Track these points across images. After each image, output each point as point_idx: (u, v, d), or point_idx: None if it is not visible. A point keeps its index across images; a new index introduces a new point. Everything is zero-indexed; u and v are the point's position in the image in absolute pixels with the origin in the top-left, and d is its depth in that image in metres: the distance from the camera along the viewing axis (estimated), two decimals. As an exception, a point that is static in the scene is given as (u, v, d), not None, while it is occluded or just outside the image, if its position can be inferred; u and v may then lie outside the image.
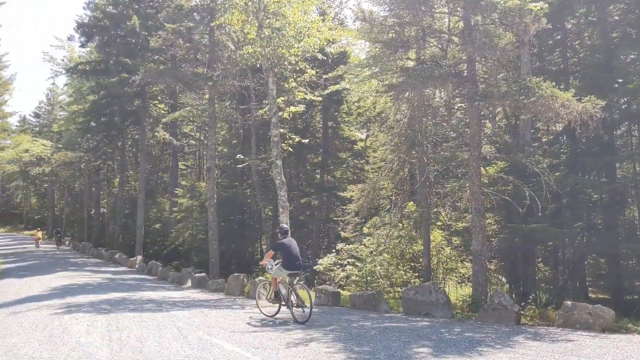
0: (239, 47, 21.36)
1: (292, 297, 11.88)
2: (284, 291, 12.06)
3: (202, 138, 40.30)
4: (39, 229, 58.46)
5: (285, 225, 13.21)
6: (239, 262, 28.06)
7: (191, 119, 38.33)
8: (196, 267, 25.98)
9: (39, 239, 48.89)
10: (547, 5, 13.93)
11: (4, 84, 37.66)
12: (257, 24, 18.52)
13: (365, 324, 11.54)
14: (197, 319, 12.28)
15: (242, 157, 23.64)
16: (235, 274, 18.79)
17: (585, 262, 22.63)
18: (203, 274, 21.95)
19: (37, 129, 73.17)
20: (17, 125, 69.92)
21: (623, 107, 20.26)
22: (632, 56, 22.63)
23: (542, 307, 15.88)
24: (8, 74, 39.52)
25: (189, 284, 21.61)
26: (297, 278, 12.26)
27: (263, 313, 12.68)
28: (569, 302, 11.72)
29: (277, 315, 12.34)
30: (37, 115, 76.93)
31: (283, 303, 12.13)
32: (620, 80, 20.50)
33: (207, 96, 26.56)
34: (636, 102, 19.30)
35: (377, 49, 17.42)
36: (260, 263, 12.82)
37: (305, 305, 11.71)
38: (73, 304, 14.66)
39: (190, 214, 31.15)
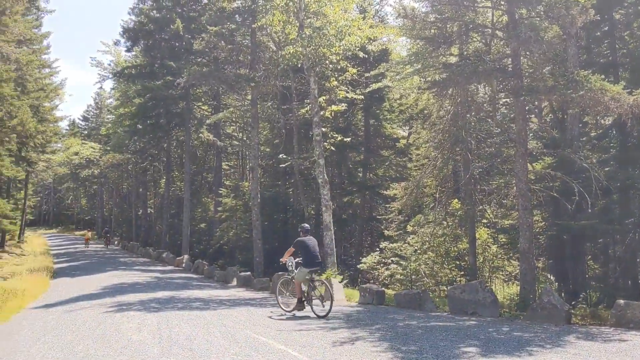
0: (280, 47, 21.52)
1: (312, 292, 12.36)
2: (304, 287, 12.44)
3: (244, 138, 40.78)
4: (88, 229, 60.39)
5: (306, 225, 13.33)
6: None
7: (234, 119, 38.87)
8: (241, 265, 26.33)
9: (89, 239, 50.64)
10: (594, -5, 13.60)
11: (54, 89, 39.00)
12: (298, 24, 18.63)
13: (411, 323, 11.47)
14: (243, 317, 12.45)
15: (284, 156, 23.84)
16: (279, 273, 18.94)
17: (638, 260, 21.92)
18: (248, 273, 22.22)
19: (86, 132, 75.57)
20: (67, 129, 72.34)
21: (677, 98, 19.51)
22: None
23: (592, 306, 15.49)
24: (58, 80, 41.12)
25: (235, 282, 21.92)
26: (317, 274, 12.74)
27: (282, 308, 13.01)
28: (621, 301, 11.38)
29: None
30: (85, 119, 79.47)
31: (303, 299, 12.46)
32: (673, 71, 19.77)
33: (249, 97, 26.89)
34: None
35: (418, 46, 17.29)
36: (281, 260, 13.19)
37: (326, 301, 12.15)
38: (124, 303, 15.09)
39: (234, 213, 31.58)
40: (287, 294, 13.33)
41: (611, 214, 18.11)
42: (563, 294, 17.88)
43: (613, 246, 22.01)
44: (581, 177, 15.35)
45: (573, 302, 14.39)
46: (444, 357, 8.05)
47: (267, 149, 33.28)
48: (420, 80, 19.63)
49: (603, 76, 13.26)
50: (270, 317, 12.19)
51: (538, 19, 13.26)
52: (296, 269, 12.64)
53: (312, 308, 12.32)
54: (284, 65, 21.89)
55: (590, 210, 16.29)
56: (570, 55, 17.32)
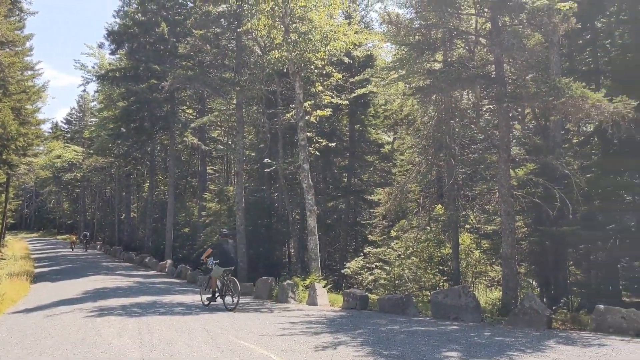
0: (266, 52, 21.51)
1: (225, 288, 14.78)
2: (219, 284, 14.90)
3: (230, 142, 40.64)
4: (73, 233, 59.84)
5: (225, 230, 15.89)
6: (266, 265, 28.20)
7: (219, 123, 38.73)
8: (225, 270, 26.09)
9: (74, 242, 50.43)
10: (576, 4, 13.75)
11: (37, 91, 38.50)
12: (283, 29, 18.65)
13: (394, 328, 11.49)
14: (226, 322, 12.38)
15: (269, 161, 23.79)
16: (264, 278, 18.89)
17: (619, 266, 22.18)
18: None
19: (69, 135, 74.87)
20: (49, 132, 71.51)
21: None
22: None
23: (574, 311, 15.60)
24: (41, 82, 40.41)
25: (218, 287, 21.77)
26: (228, 273, 14.94)
27: (202, 301, 15.47)
28: (601, 306, 11.50)
29: (311, 319, 12.41)
30: (68, 122, 78.73)
31: (217, 293, 14.98)
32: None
33: (234, 101, 26.83)
34: (671, 101, 18.83)
35: (403, 52, 17.39)
36: (202, 258, 16.07)
37: (235, 296, 14.48)
38: (105, 307, 14.93)
39: (218, 218, 31.44)
40: (206, 289, 15.66)
41: (593, 221, 18.30)
42: (545, 299, 18.00)
43: (595, 252, 22.25)
44: (563, 184, 15.48)
45: (554, 307, 14.48)
46: (425, 362, 8.08)
47: (252, 154, 33.19)
48: (405, 86, 19.72)
49: (584, 84, 13.42)
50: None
51: (521, 26, 13.39)
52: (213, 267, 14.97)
53: (224, 302, 14.72)
54: (269, 69, 21.90)
55: (571, 217, 16.46)
56: (553, 62, 17.51)
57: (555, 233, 16.44)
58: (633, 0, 20.29)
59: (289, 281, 17.48)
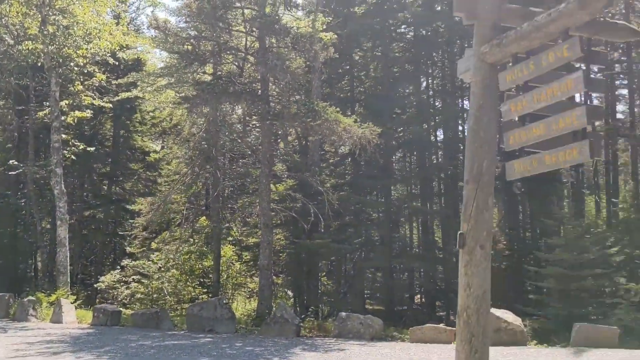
0: (18, 41, 19.24)
1: None
2: None
3: (-31, 139, 35.32)
4: None
5: None
6: (8, 280, 24.98)
7: (-44, 116, 33.42)
8: (-47, 287, 22.51)
9: None
10: (336, 36, 15.04)
11: None
12: (40, 19, 16.92)
13: (145, 343, 11.04)
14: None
15: (15, 162, 21.19)
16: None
17: (364, 276, 24.62)
18: (-42, 295, 19.07)
19: None
20: None
21: (399, 135, 22.57)
22: (408, 90, 25.47)
23: (323, 319, 16.80)
24: None
25: (-59, 306, 18.61)
26: None
27: None
28: (343, 314, 12.57)
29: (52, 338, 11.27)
30: None
31: None
32: (398, 111, 22.91)
33: (-24, 92, 23.44)
34: (409, 131, 21.64)
35: (173, 60, 17.10)
36: None
37: None
38: None
39: (-51, 225, 27.00)
40: None
41: (344, 234, 20.01)
42: (299, 308, 19.08)
43: (345, 264, 24.41)
44: (317, 200, 16.65)
45: (303, 316, 15.41)
46: (173, 377, 7.89)
47: (-2, 154, 29.28)
48: (174, 94, 19.34)
49: (339, 109, 14.68)
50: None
51: (286, 49, 14.14)
52: None
53: None
54: (20, 61, 19.63)
55: (323, 231, 17.76)
56: (314, 87, 18.84)
57: (310, 245, 17.58)
58: (384, 39, 22.95)
59: (30, 297, 15.71)
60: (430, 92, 27.25)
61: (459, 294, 4.00)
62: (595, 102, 20.00)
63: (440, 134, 25.47)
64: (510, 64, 3.91)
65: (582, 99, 3.75)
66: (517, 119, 3.98)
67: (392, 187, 24.01)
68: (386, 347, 10.75)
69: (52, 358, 9.32)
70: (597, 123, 16.27)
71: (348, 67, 24.14)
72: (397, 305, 23.19)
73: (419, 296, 26.29)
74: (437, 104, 26.72)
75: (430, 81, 27.11)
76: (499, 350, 10.35)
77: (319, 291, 20.39)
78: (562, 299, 13.76)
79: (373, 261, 21.42)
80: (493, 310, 11.41)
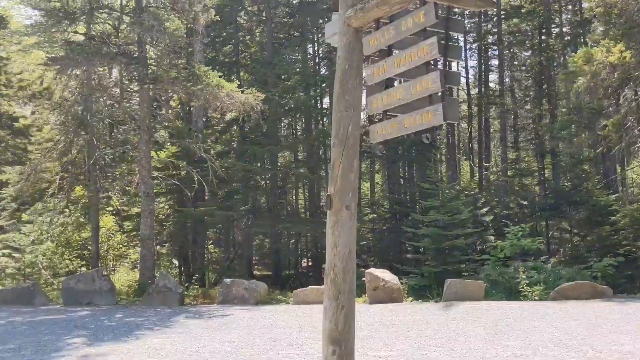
0: None
1: None
2: None
3: None
4: None
5: None
6: None
7: None
8: None
9: None
10: (218, -3, 14.60)
11: None
12: None
13: (16, 319, 10.41)
14: None
15: None
16: None
17: (253, 243, 24.74)
18: None
19: None
20: None
21: (285, 101, 22.55)
22: (293, 56, 25.45)
23: (209, 286, 16.71)
24: None
25: None
26: None
27: None
28: (228, 280, 12.59)
29: None
30: None
31: None
32: (283, 77, 22.84)
33: None
34: (294, 98, 21.69)
35: (41, 17, 15.79)
36: None
37: None
38: None
39: None
40: None
41: (232, 201, 19.86)
42: (183, 277, 18.82)
43: (232, 231, 24.32)
44: (202, 167, 16.34)
45: (187, 284, 15.24)
46: (44, 352, 7.53)
47: None
48: (45, 55, 17.92)
49: (221, 74, 14.39)
50: None
51: (164, 9, 13.55)
52: None
53: None
54: None
55: (209, 198, 17.53)
56: (197, 50, 18.29)
57: (194, 213, 17.29)
58: (269, 3, 22.62)
59: None
60: (316, 59, 27.45)
61: (327, 253, 4.12)
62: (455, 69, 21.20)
63: (326, 101, 25.81)
64: (373, 29, 4.00)
65: (443, 64, 3.91)
66: (379, 83, 4.10)
67: (278, 154, 24.10)
68: (270, 311, 10.95)
69: None
70: (454, 88, 17.19)
71: (232, 31, 23.61)
72: (284, 270, 23.60)
73: (305, 260, 26.88)
74: (322, 70, 26.98)
75: (315, 48, 27.25)
76: (377, 307, 10.91)
77: (206, 259, 20.20)
78: (436, 258, 14.64)
79: (261, 227, 21.49)
80: (372, 270, 12.00)
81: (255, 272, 23.09)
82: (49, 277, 17.80)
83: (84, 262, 18.50)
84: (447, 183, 18.73)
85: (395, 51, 3.98)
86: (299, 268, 25.01)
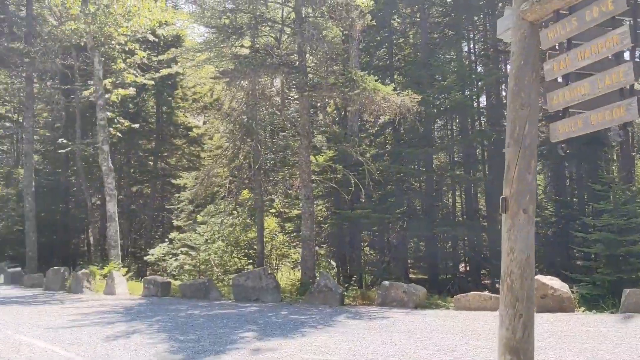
0: (62, 22, 19.66)
1: None
2: None
3: (20, 120, 36.50)
4: None
5: None
6: (62, 254, 26.07)
7: (7, 98, 34.53)
8: (12, 261, 23.66)
9: None
10: (373, 2, 14.74)
11: None
12: (80, -1, 17.27)
13: (194, 313, 11.39)
14: (6, 317, 11.17)
15: (64, 141, 21.88)
16: (55, 268, 17.43)
17: (408, 246, 24.57)
18: (18, 269, 20.06)
19: None
20: None
21: (440, 102, 22.16)
22: (449, 56, 24.89)
23: (366, 288, 16.93)
24: None
25: (2, 279, 19.63)
26: None
27: None
28: (387, 282, 12.61)
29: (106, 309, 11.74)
30: None
31: None
32: (438, 78, 22.44)
33: (24, 74, 24.13)
34: (450, 98, 21.21)
35: (211, 34, 17.18)
36: None
37: None
38: None
39: (5, 203, 28.21)
40: None
41: (386, 204, 19.96)
42: (342, 278, 19.25)
43: (387, 233, 24.39)
44: (358, 170, 16.62)
45: (347, 285, 15.55)
46: (220, 344, 8.11)
47: (47, 133, 30.21)
48: (214, 69, 19.49)
49: (377, 78, 14.52)
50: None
51: (322, 19, 14.01)
52: None
53: None
54: (64, 42, 20.09)
55: (364, 201, 17.77)
56: (352, 56, 18.64)
57: (351, 216, 17.61)
58: (423, 4, 22.39)
59: (84, 270, 16.37)
60: (472, 57, 26.60)
61: (502, 259, 3.96)
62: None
63: (482, 100, 24.91)
64: (552, 22, 3.77)
65: (630, 55, 3.57)
66: (560, 78, 3.85)
67: (433, 156, 23.71)
68: (430, 315, 10.77)
69: (106, 327, 9.72)
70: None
71: (387, 34, 23.72)
72: (441, 274, 23.10)
73: (463, 265, 26.11)
74: (479, 69, 26.08)
75: (471, 46, 26.43)
76: (546, 316, 10.23)
77: (362, 261, 20.49)
78: (610, 265, 13.41)
79: (416, 230, 21.29)
80: (539, 277, 11.28)
81: (410, 275, 22.94)
82: (220, 273, 19.26)
83: (250, 261, 19.76)
84: (621, 184, 17.08)
85: (577, 42, 3.71)
86: (457, 272, 24.35)
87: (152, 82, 21.34)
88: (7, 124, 36.65)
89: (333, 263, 21.20)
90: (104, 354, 7.48)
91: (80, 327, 9.74)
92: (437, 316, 10.73)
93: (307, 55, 14.89)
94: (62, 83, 25.12)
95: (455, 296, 12.09)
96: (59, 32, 19.81)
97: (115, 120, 20.92)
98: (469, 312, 10.98)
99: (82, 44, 19.23)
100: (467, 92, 22.67)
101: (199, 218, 20.29)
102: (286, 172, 19.04)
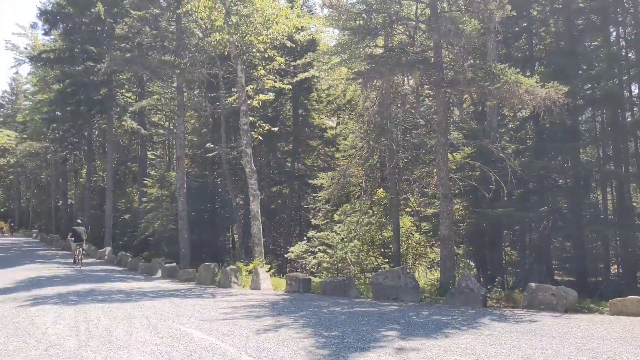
0: (207, 34, 21.10)
1: (76, 257, 24.29)
2: (76, 253, 24.32)
3: (171, 127, 39.73)
4: (9, 221, 58.50)
5: (78, 221, 26.60)
6: (210, 251, 27.94)
7: (159, 107, 37.81)
8: (167, 257, 25.77)
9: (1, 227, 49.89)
10: (512, -9, 14.12)
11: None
12: (224, 11, 18.35)
13: (335, 309, 11.64)
14: (167, 308, 12.21)
15: (211, 145, 23.46)
16: (206, 264, 18.71)
17: (552, 246, 23.17)
18: (174, 264, 21.80)
19: (1, 119, 71.20)
20: (-21, 116, 67.95)
21: (587, 92, 20.66)
22: (595, 43, 23.12)
23: (508, 290, 16.24)
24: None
25: (159, 274, 21.46)
26: (80, 247, 24.40)
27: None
28: (533, 284, 12.00)
29: (253, 303, 12.39)
30: (0, 106, 74.85)
31: (74, 259, 24.39)
32: (584, 67, 20.92)
33: (175, 84, 26.25)
34: (599, 87, 19.70)
35: (345, 36, 17.47)
36: (67, 237, 26.45)
37: (80, 262, 24.29)
38: (40, 296, 14.43)
39: (160, 204, 30.80)
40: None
41: (527, 202, 19.01)
42: (482, 279, 18.63)
43: (529, 233, 23.19)
44: (498, 167, 16.00)
45: (489, 286, 15.01)
46: (364, 341, 8.22)
47: (195, 138, 32.61)
48: (347, 71, 19.82)
49: (518, 70, 13.85)
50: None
51: (459, 12, 13.66)
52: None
53: (77, 264, 24.24)
54: (210, 52, 21.53)
55: (506, 199, 17.04)
56: (490, 49, 17.99)
57: (491, 215, 16.99)
58: (566, -10, 21.00)
59: (232, 266, 17.40)
60: (622, 43, 24.44)
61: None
62: None
63: (635, 89, 22.81)
64: None
65: None
66: None
67: (580, 150, 22.14)
68: (583, 320, 10.09)
69: (256, 321, 10.26)
70: None
71: (525, 24, 22.55)
72: (591, 276, 21.52)
73: (615, 266, 24.13)
74: (630, 55, 23.90)
75: (621, 30, 24.28)
76: None
77: (503, 262, 19.69)
78: None
79: (561, 230, 20.02)
80: None
81: (556, 277, 21.63)
82: (356, 272, 19.54)
83: (386, 260, 19.83)
84: None
85: None
86: (608, 275, 22.55)
87: (290, 87, 22.18)
88: (161, 131, 40.10)
89: (472, 264, 20.60)
90: (256, 347, 7.90)
91: (232, 320, 10.39)
92: (592, 321, 10.02)
93: (443, 50, 14.60)
94: (208, 91, 26.97)
95: (610, 300, 11.21)
96: (205, 44, 21.29)
97: (257, 124, 22.04)
98: (627, 318, 10.14)
99: (226, 54, 20.46)
100: (616, 81, 20.91)
101: (336, 217, 20.74)
102: (422, 170, 18.82)
